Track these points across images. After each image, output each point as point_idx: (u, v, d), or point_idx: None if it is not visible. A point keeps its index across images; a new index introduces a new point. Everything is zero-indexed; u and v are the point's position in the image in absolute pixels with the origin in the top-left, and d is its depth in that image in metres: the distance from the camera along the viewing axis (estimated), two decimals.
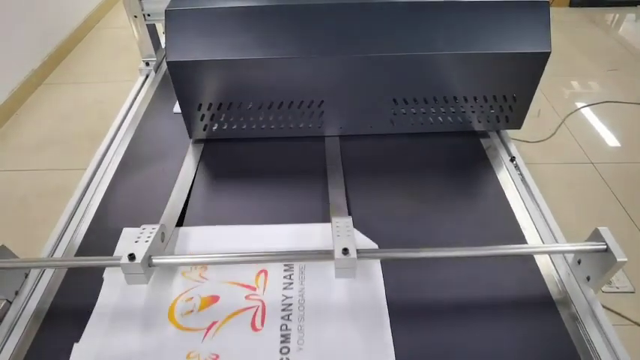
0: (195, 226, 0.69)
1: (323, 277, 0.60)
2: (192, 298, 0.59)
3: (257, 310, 0.57)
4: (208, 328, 0.55)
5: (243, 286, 0.60)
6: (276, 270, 0.62)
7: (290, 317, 0.56)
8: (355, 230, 0.64)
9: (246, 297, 0.59)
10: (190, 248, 0.65)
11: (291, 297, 0.58)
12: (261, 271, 0.62)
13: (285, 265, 0.62)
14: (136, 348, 0.54)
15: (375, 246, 0.64)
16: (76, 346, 0.54)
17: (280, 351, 0.53)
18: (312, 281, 0.60)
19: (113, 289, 0.60)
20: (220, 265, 0.62)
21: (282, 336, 0.54)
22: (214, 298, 0.59)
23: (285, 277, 0.61)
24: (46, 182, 1.75)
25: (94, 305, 0.58)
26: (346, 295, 0.59)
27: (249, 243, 0.65)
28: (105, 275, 0.62)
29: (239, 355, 0.53)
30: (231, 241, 0.66)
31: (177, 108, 0.91)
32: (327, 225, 0.63)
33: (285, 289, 0.60)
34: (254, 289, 0.60)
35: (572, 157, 1.84)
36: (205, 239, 0.67)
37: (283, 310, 0.57)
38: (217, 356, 0.53)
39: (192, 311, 0.57)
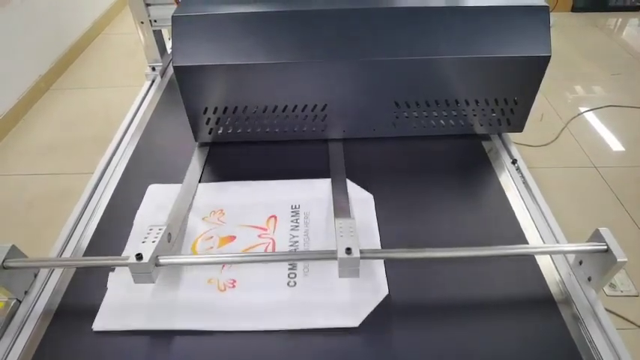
0: (212, 182, 0.78)
1: (324, 219, 0.70)
2: (211, 237, 0.68)
3: (268, 245, 0.66)
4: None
5: (256, 227, 0.69)
6: (284, 215, 0.71)
7: (297, 250, 0.65)
8: (350, 182, 0.75)
9: (259, 236, 0.68)
10: (208, 200, 0.74)
11: (297, 236, 0.67)
12: (271, 216, 0.71)
13: (292, 212, 0.71)
14: (163, 274, 0.61)
15: (370, 196, 0.73)
16: (111, 274, 0.62)
17: (288, 275, 0.62)
18: (316, 224, 0.69)
19: (142, 229, 0.65)
20: (236, 209, 0.72)
21: (289, 265, 0.63)
22: (231, 238, 0.68)
23: (292, 220, 0.70)
24: (53, 186, 1.77)
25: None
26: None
27: (260, 195, 0.75)
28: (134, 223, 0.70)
29: (253, 279, 0.61)
30: (244, 193, 0.75)
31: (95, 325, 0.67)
32: (327, 179, 0.76)
33: (292, 229, 0.69)
34: (265, 229, 0.69)
35: (576, 161, 1.84)
36: (221, 192, 0.76)
37: (291, 245, 0.66)
38: (234, 281, 0.61)
39: (212, 247, 0.66)
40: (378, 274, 0.61)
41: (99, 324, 0.57)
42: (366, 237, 0.66)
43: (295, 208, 0.72)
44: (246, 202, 0.73)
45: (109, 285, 0.61)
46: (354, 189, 0.74)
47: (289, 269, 0.62)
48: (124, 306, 0.59)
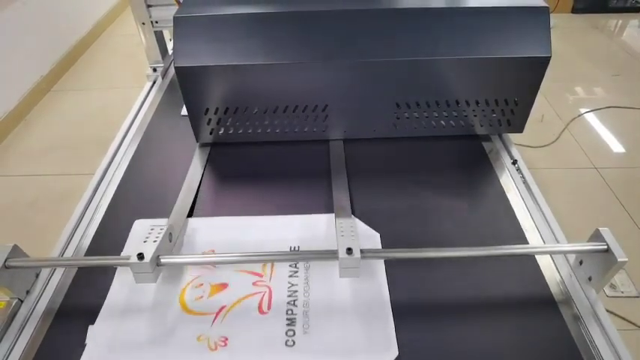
0: (205, 217, 0.71)
1: (327, 268, 0.62)
2: (202, 284, 0.61)
3: (264, 295, 0.60)
4: (217, 313, 0.58)
5: (251, 273, 0.63)
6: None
7: (295, 303, 0.59)
8: (357, 220, 0.69)
9: (254, 283, 0.61)
10: (199, 239, 0.68)
11: (296, 284, 0.61)
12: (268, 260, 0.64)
13: (290, 261, 0.64)
14: (148, 331, 0.56)
15: (376, 235, 0.67)
16: (90, 328, 0.56)
17: (286, 333, 0.55)
18: (317, 270, 0.62)
19: (126, 277, 0.61)
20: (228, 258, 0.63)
21: (288, 319, 0.57)
22: (223, 285, 0.61)
23: (290, 265, 0.63)
24: (54, 187, 1.78)
25: (107, 295, 0.60)
26: (350, 285, 0.60)
27: (255, 234, 0.68)
28: (117, 273, 0.63)
29: (247, 337, 0.55)
30: (238, 231, 0.68)
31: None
32: (332, 216, 0.65)
33: (290, 276, 0.62)
34: (261, 275, 0.62)
35: (576, 162, 1.84)
36: (214, 230, 0.69)
37: (289, 295, 0.59)
38: (226, 338, 0.55)
39: (202, 297, 0.60)
40: (387, 330, 0.55)
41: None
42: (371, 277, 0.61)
43: (295, 249, 0.65)
44: (240, 242, 0.66)
45: (87, 341, 0.55)
46: (361, 227, 0.68)
47: (287, 325, 0.56)
48: None
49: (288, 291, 0.60)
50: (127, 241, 0.68)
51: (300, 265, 0.63)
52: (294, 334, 0.55)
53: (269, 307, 0.58)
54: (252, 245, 0.66)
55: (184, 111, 0.92)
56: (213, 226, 0.70)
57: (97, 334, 0.56)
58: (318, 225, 0.69)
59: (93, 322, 0.57)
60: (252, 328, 0.56)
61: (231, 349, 0.54)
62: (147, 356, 0.54)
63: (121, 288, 0.61)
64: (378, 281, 0.61)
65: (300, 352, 0.53)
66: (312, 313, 0.57)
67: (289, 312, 0.57)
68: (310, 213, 0.72)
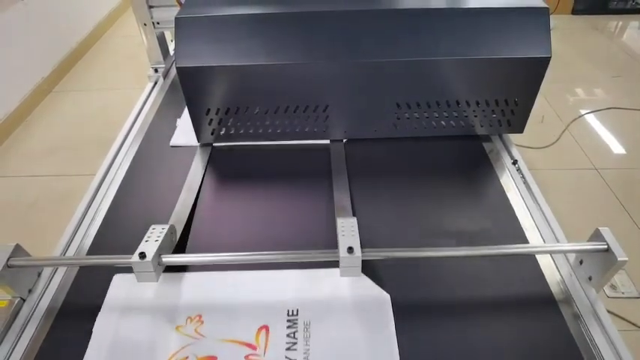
0: (196, 272, 0.64)
1: (330, 337, 0.55)
2: (187, 357, 0.53)
3: None
4: None
5: (243, 344, 0.54)
6: (278, 326, 0.56)
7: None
8: (365, 277, 0.61)
9: (246, 357, 0.53)
10: (184, 297, 0.60)
11: (294, 358, 0.53)
12: (262, 327, 0.56)
13: (288, 322, 0.57)
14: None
15: (386, 296, 0.59)
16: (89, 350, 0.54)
17: None
18: (319, 341, 0.54)
19: (103, 340, 0.56)
20: (218, 316, 0.58)
21: None
22: (211, 359, 0.53)
23: (288, 334, 0.55)
24: (55, 188, 1.78)
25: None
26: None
27: (248, 294, 0.61)
28: (93, 329, 0.57)
29: None
30: (228, 289, 0.62)
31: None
32: (335, 270, 0.57)
33: (288, 349, 0.54)
34: (254, 347, 0.54)
35: (577, 163, 1.84)
36: (200, 287, 0.62)
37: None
38: None
39: None
40: None
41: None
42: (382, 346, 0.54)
43: (293, 314, 0.57)
44: (231, 305, 0.59)
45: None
46: (368, 287, 0.61)
47: None
48: None
49: None
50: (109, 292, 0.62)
51: (299, 334, 0.55)
52: None
53: None
54: (244, 309, 0.58)
55: (174, 141, 0.89)
56: (201, 281, 0.62)
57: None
58: (321, 281, 0.61)
59: (93, 322, 0.58)
60: None
61: None
62: None
63: (104, 337, 0.56)
64: (389, 350, 0.54)
65: None
66: None
67: None
68: (311, 214, 0.72)
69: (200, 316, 0.58)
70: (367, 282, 0.60)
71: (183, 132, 0.90)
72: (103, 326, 0.57)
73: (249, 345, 0.54)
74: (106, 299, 0.60)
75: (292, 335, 0.55)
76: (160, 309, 0.59)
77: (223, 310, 0.58)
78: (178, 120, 0.95)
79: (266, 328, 0.56)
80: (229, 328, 0.56)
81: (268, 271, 0.62)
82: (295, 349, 0.54)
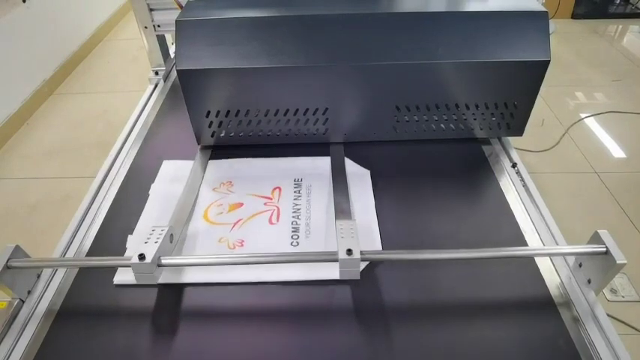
0: (222, 159, 0.84)
1: (325, 194, 0.75)
2: (221, 204, 0.75)
3: (273, 211, 0.73)
4: (235, 223, 0.71)
5: (262, 197, 0.76)
6: (287, 187, 0.77)
7: (299, 217, 0.72)
8: (347, 159, 0.82)
9: (265, 204, 0.74)
10: (218, 174, 0.81)
11: (299, 204, 0.74)
12: (276, 188, 0.77)
13: (295, 184, 0.78)
14: (179, 237, 0.67)
15: (367, 173, 0.79)
16: (129, 237, 0.69)
17: (292, 237, 0.68)
18: (317, 196, 0.75)
19: (157, 200, 0.76)
20: (244, 181, 0.79)
21: (293, 228, 0.70)
22: (239, 204, 0.74)
23: (295, 191, 0.77)
24: (55, 190, 1.78)
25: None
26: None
27: (265, 170, 0.81)
28: (150, 192, 0.77)
29: (259, 240, 0.68)
30: (251, 168, 0.82)
31: (117, 279, 0.64)
32: (327, 158, 0.81)
33: (295, 199, 0.75)
34: (270, 198, 0.75)
35: (576, 166, 1.84)
36: (230, 167, 0.82)
37: (294, 212, 0.72)
38: (242, 241, 0.68)
39: (222, 212, 0.73)
40: (372, 229, 0.68)
41: (120, 278, 0.63)
42: (364, 215, 0.71)
43: (298, 181, 0.78)
44: (253, 175, 0.80)
45: (127, 245, 0.67)
46: (352, 166, 0.80)
47: (292, 232, 0.69)
48: None
49: (293, 209, 0.73)
50: (157, 177, 0.81)
51: (303, 191, 0.76)
52: (299, 237, 0.68)
53: (278, 219, 0.71)
54: (262, 177, 0.79)
55: (117, 279, 0.66)
56: (230, 164, 0.83)
57: (135, 239, 0.68)
58: (320, 164, 0.81)
59: (94, 323, 0.58)
60: (264, 234, 0.69)
61: (246, 248, 0.67)
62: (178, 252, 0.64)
63: (153, 207, 0.75)
64: (366, 195, 0.74)
65: (302, 249, 0.66)
66: (313, 224, 0.70)
67: (294, 223, 0.70)
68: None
69: (230, 182, 0.79)
70: (350, 162, 0.82)
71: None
72: (158, 189, 0.78)
73: (266, 197, 0.76)
74: (159, 174, 0.81)
75: (297, 192, 0.77)
76: (201, 179, 0.80)
77: (247, 178, 0.80)
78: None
79: (279, 188, 0.77)
80: (252, 187, 0.78)
81: (280, 158, 0.84)
82: (300, 199, 0.75)
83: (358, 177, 0.78)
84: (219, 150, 0.86)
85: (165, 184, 0.79)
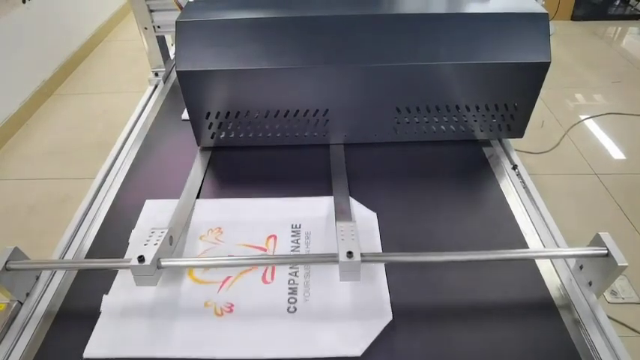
0: (212, 199, 0.76)
1: (327, 244, 0.66)
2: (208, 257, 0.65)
3: (267, 266, 0.63)
4: (223, 282, 0.62)
5: (255, 247, 0.66)
6: (284, 235, 0.68)
7: (297, 274, 0.62)
8: (354, 200, 0.73)
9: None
10: (207, 218, 0.72)
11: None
12: (271, 236, 0.68)
13: (292, 232, 0.68)
14: (159, 299, 0.60)
15: (374, 216, 0.71)
16: (105, 297, 0.60)
17: (288, 300, 0.59)
18: (317, 246, 0.66)
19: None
20: (235, 228, 0.69)
21: (289, 288, 0.61)
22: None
23: (292, 241, 0.67)
24: (54, 191, 1.78)
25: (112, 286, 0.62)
26: None
27: (259, 213, 0.72)
28: (130, 241, 0.68)
29: (251, 303, 0.59)
30: (242, 212, 0.73)
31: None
32: (330, 197, 0.70)
33: (292, 250, 0.66)
34: (265, 250, 0.66)
35: (576, 168, 1.84)
36: (221, 209, 0.73)
37: (291, 267, 0.63)
38: (232, 305, 0.59)
39: (209, 269, 0.63)
40: (382, 298, 0.59)
41: (91, 351, 0.54)
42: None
43: (296, 227, 0.69)
44: (245, 220, 0.70)
45: (102, 309, 0.58)
46: (357, 207, 0.72)
47: (289, 294, 0.60)
48: (117, 331, 0.56)
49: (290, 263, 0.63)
50: (140, 217, 0.72)
51: (302, 240, 0.67)
52: (296, 301, 0.59)
53: (272, 277, 0.62)
54: (256, 223, 0.70)
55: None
56: (220, 206, 0.74)
57: (111, 302, 0.59)
58: (319, 206, 0.73)
59: (93, 324, 0.57)
60: (257, 296, 0.59)
61: (236, 315, 0.57)
62: (158, 321, 0.57)
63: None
64: (373, 244, 0.66)
65: (301, 318, 0.57)
66: (313, 283, 0.61)
67: (291, 282, 0.61)
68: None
69: (220, 228, 0.70)
70: (356, 203, 0.72)
71: None
72: (137, 237, 0.68)
73: (260, 248, 0.66)
74: (138, 221, 0.71)
75: (295, 241, 0.67)
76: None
77: (239, 225, 0.70)
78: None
79: (274, 236, 0.68)
80: (244, 235, 0.68)
81: (276, 199, 0.74)
82: (298, 251, 0.66)
83: (364, 220, 0.70)
84: (220, 151, 0.86)
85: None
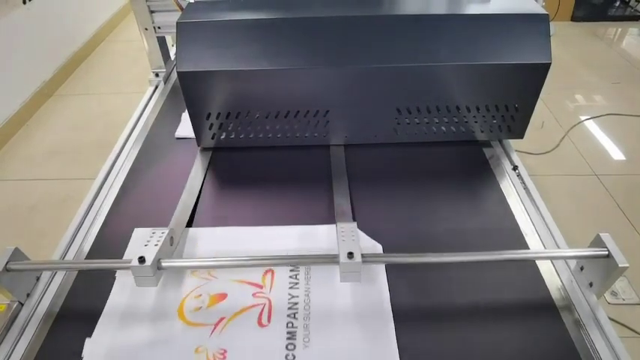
0: (204, 227, 0.71)
1: (328, 279, 0.61)
2: (200, 295, 0.61)
3: (264, 307, 0.59)
4: (216, 324, 0.57)
5: (251, 284, 0.62)
6: (282, 270, 0.63)
7: (296, 315, 0.58)
8: (359, 232, 0.66)
9: (254, 294, 0.60)
10: (199, 249, 0.67)
11: (297, 296, 0.60)
12: (268, 271, 0.63)
13: (291, 266, 0.64)
14: (146, 342, 0.55)
15: (379, 247, 0.65)
16: (88, 340, 0.55)
17: (286, 347, 0.54)
18: (318, 282, 0.61)
19: (124, 287, 0.62)
20: (228, 262, 0.63)
21: (288, 333, 0.56)
22: (222, 296, 0.60)
23: (291, 277, 0.62)
24: (55, 191, 1.78)
25: (105, 304, 0.60)
26: (351, 297, 0.60)
27: (256, 244, 0.67)
28: (117, 275, 0.63)
29: (246, 350, 0.54)
30: (238, 242, 0.68)
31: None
32: (333, 226, 0.64)
33: (291, 288, 0.61)
34: (261, 287, 0.61)
35: (576, 169, 1.84)
36: (214, 240, 0.68)
37: (289, 308, 0.58)
38: (225, 351, 0.54)
39: (200, 308, 0.59)
40: (390, 346, 0.54)
41: None
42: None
43: (295, 265, 0.64)
44: (240, 253, 0.65)
45: (84, 355, 0.54)
46: (362, 239, 0.67)
47: (287, 339, 0.55)
48: None
49: (289, 303, 0.59)
50: (129, 245, 0.68)
51: (301, 275, 0.62)
52: (295, 347, 0.54)
53: (269, 320, 0.57)
54: (253, 254, 0.63)
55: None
56: (213, 236, 0.69)
57: (94, 347, 0.55)
58: (319, 235, 0.68)
59: (93, 325, 0.57)
60: (252, 341, 0.55)
61: None
62: None
63: (120, 297, 0.60)
64: (379, 289, 0.60)
65: None
66: (313, 326, 0.56)
67: (289, 325, 0.56)
68: (311, 218, 0.72)
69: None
70: (362, 235, 0.67)
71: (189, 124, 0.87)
72: (124, 274, 0.63)
73: (256, 285, 0.61)
74: (126, 251, 0.66)
75: (294, 277, 0.62)
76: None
77: (234, 257, 0.62)
78: (183, 114, 0.96)
79: (271, 271, 0.63)
80: (239, 271, 0.63)
81: (272, 227, 0.69)
82: (297, 288, 0.61)
83: (370, 251, 0.65)
84: (220, 151, 0.86)
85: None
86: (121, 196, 0.78)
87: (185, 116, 0.95)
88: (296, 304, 0.59)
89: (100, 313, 0.59)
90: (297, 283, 0.61)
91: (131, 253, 0.66)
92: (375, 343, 0.54)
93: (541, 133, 2.01)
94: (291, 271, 0.63)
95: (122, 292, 0.61)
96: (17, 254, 0.59)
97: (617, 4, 3.08)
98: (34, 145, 2.06)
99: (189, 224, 0.71)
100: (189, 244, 0.68)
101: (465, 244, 0.67)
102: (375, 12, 0.75)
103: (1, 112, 2.06)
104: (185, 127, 0.91)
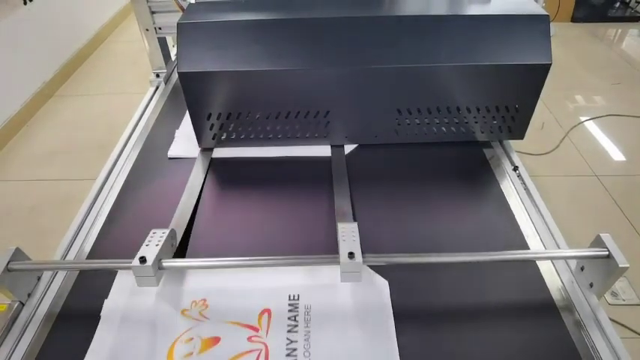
0: (200, 259, 0.63)
1: (330, 320, 0.56)
2: (192, 338, 0.55)
3: (260, 353, 0.53)
4: None
5: (246, 326, 0.56)
6: (280, 310, 0.58)
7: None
8: (366, 267, 0.62)
9: (249, 338, 0.55)
10: (190, 285, 0.62)
11: (296, 341, 0.54)
12: (265, 311, 0.58)
13: (289, 306, 0.59)
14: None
15: (384, 281, 0.61)
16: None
17: None
18: (319, 324, 0.56)
19: (110, 325, 0.58)
20: (222, 300, 0.60)
21: None
22: (215, 340, 0.55)
23: (289, 317, 0.57)
24: (55, 192, 1.78)
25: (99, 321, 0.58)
26: (357, 343, 0.55)
27: (251, 280, 0.63)
28: (102, 314, 0.59)
29: None
30: (233, 277, 0.63)
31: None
32: (335, 267, 0.57)
33: (289, 331, 0.56)
34: (257, 329, 0.56)
35: (577, 169, 1.84)
36: (209, 277, 0.63)
37: (288, 355, 0.53)
38: None
39: (192, 353, 0.54)
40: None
41: None
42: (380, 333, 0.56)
43: (293, 298, 0.59)
44: (234, 288, 0.61)
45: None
46: (367, 274, 0.62)
47: None
48: None
49: (287, 349, 0.53)
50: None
51: (300, 317, 0.57)
52: None
53: None
54: (247, 293, 0.60)
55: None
56: (209, 273, 0.64)
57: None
58: (321, 275, 0.63)
59: (93, 326, 0.57)
60: None
61: None
62: None
63: (108, 331, 0.56)
64: (385, 342, 0.55)
65: None
66: None
67: None
68: (311, 218, 0.72)
69: (205, 300, 0.59)
70: (366, 269, 0.62)
71: (182, 142, 0.88)
72: (110, 310, 0.59)
73: (251, 327, 0.56)
74: (113, 286, 0.62)
75: (293, 318, 0.57)
76: (166, 294, 0.61)
77: (227, 295, 0.60)
78: (177, 131, 0.92)
79: (268, 311, 0.58)
80: (233, 311, 0.58)
81: (272, 267, 0.64)
82: (296, 332, 0.55)
83: (376, 290, 0.60)
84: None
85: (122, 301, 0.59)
86: (121, 197, 0.78)
87: (178, 134, 0.90)
88: (295, 350, 0.53)
89: (99, 319, 0.58)
90: (295, 326, 0.56)
91: (112, 299, 0.60)
92: None
93: (541, 134, 2.01)
94: (289, 312, 0.58)
95: (109, 331, 0.56)
96: (18, 254, 0.59)
97: (617, 5, 3.08)
98: (34, 146, 2.06)
99: (189, 226, 0.71)
100: (188, 275, 0.63)
101: (465, 245, 0.68)
102: (376, 13, 0.75)
103: (2, 112, 2.06)
104: (178, 146, 0.87)
